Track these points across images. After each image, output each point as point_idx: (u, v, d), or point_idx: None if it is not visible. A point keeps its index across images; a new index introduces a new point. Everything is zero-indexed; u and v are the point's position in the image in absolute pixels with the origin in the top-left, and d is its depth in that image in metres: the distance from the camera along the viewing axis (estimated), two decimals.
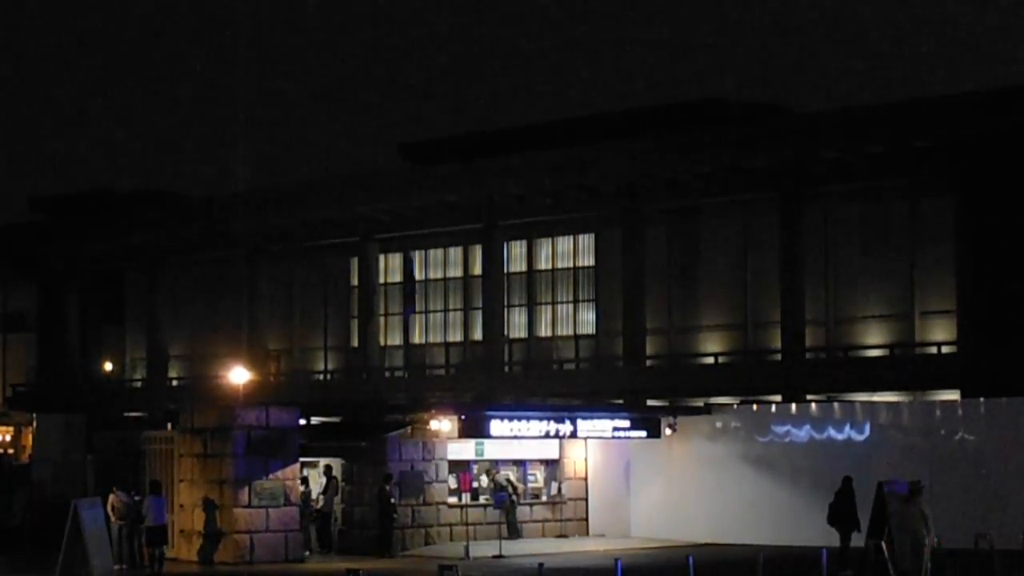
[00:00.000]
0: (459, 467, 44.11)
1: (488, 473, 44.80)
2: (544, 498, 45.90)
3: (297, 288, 66.47)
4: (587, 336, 58.10)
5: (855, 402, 45.77)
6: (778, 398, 49.15)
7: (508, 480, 44.91)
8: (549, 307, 59.18)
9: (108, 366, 72.16)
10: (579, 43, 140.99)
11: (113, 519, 37.16)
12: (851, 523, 36.52)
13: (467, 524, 42.29)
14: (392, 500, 41.10)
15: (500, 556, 39.86)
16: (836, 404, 45.54)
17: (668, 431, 45.83)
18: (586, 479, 46.97)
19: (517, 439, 43.85)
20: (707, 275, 55.13)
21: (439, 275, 62.19)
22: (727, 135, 52.98)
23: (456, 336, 61.70)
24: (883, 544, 32.57)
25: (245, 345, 65.57)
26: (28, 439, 66.68)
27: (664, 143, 53.82)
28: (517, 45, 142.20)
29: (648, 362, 55.50)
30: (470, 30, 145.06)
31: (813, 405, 45.39)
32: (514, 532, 44.02)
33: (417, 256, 61.11)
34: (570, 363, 58.15)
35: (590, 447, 46.91)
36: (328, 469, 42.35)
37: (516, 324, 59.87)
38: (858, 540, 34.41)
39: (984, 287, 47.94)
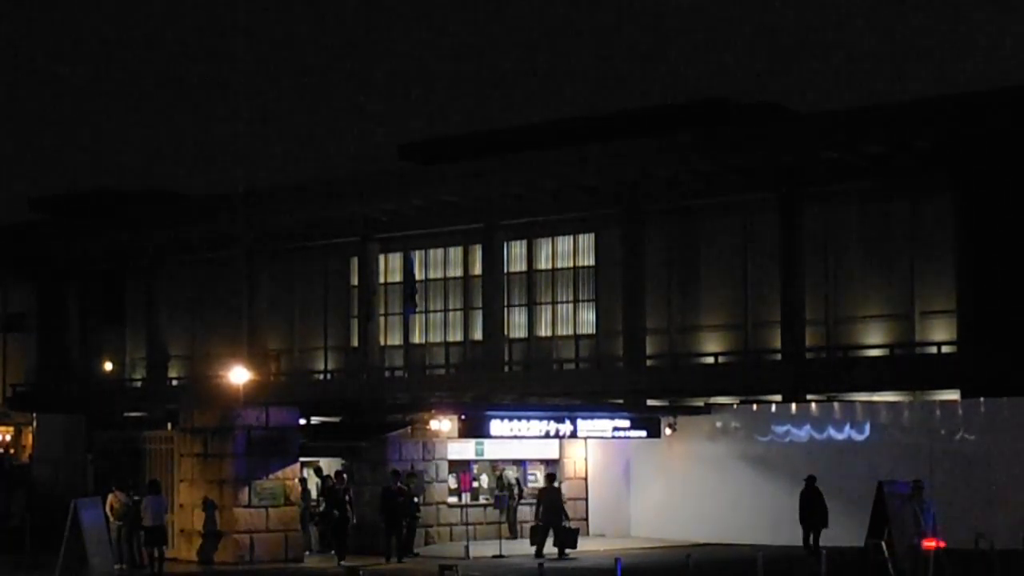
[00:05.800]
0: (459, 467, 44.12)
1: (495, 471, 44.81)
2: None
3: (297, 288, 66.46)
4: (587, 336, 58.09)
5: (855, 402, 45.77)
6: (778, 398, 49.15)
7: (517, 480, 44.98)
8: (549, 307, 59.17)
9: (108, 366, 72.11)
10: (579, 43, 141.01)
11: (112, 519, 37.14)
12: (819, 521, 38.15)
13: (467, 524, 42.28)
14: (402, 500, 40.99)
15: (500, 556, 39.86)
16: (836, 404, 45.53)
17: (668, 431, 45.85)
18: (586, 479, 46.99)
19: (517, 439, 43.87)
20: (707, 275, 55.12)
21: (439, 275, 62.18)
22: (727, 135, 52.98)
23: (456, 336, 61.70)
24: (883, 544, 32.63)
25: (245, 345, 65.55)
26: (28, 439, 66.65)
27: (664, 143, 53.80)
28: (517, 45, 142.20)
29: (648, 362, 55.48)
30: (470, 30, 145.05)
31: (813, 405, 45.38)
32: (514, 532, 44.05)
33: (417, 256, 61.06)
34: (570, 363, 58.12)
35: (590, 447, 46.92)
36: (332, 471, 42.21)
37: (516, 324, 59.85)
38: (854, 540, 34.47)
39: (984, 287, 47.92)
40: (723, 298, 54.68)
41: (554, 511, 40.64)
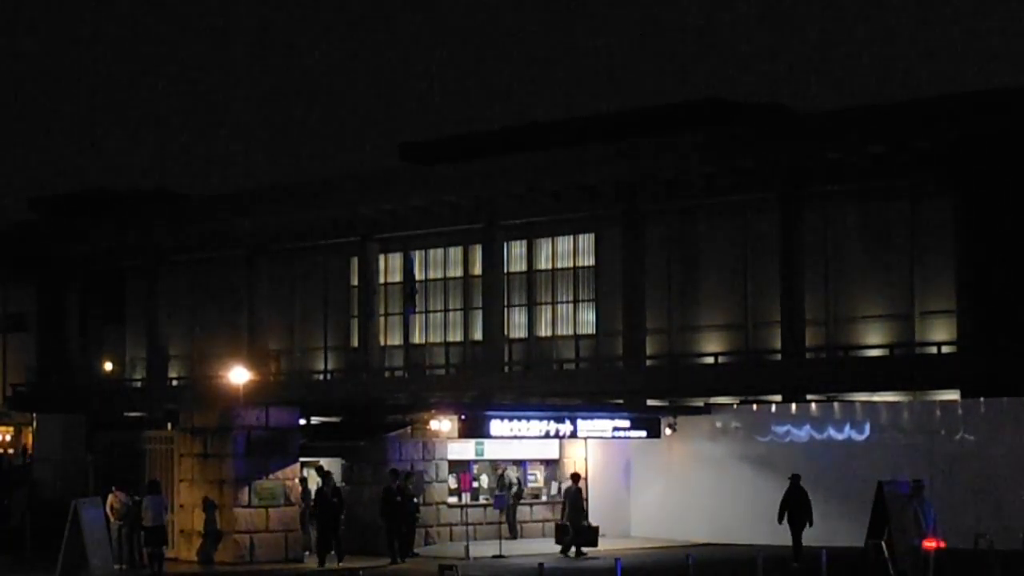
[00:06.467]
0: (459, 467, 44.13)
1: (496, 470, 44.83)
2: (544, 498, 45.91)
3: (297, 288, 66.47)
4: (587, 336, 58.09)
5: (855, 402, 45.77)
6: (778, 398, 49.15)
7: (518, 480, 45.01)
8: (549, 307, 59.17)
9: (108, 366, 72.14)
10: (579, 43, 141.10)
11: (112, 519, 37.14)
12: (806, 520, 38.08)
13: (467, 524, 42.28)
14: (400, 500, 40.95)
15: (500, 556, 39.87)
16: (836, 404, 45.54)
17: (668, 431, 45.86)
18: (586, 479, 46.99)
19: (517, 439, 43.88)
20: (707, 275, 55.12)
21: (439, 275, 62.18)
22: (727, 135, 52.98)
23: (456, 336, 61.69)
24: (883, 544, 32.65)
25: (245, 345, 65.57)
26: (28, 439, 66.68)
27: (664, 143, 53.81)
28: (517, 45, 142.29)
29: (648, 362, 55.48)
30: (470, 30, 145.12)
31: (813, 405, 45.39)
32: (514, 532, 44.07)
33: (417, 256, 61.09)
34: (570, 363, 58.13)
35: (590, 447, 46.91)
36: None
37: (516, 324, 59.85)
38: (851, 540, 34.48)
39: (984, 287, 47.93)
40: (723, 298, 54.67)
41: (575, 510, 41.09)
